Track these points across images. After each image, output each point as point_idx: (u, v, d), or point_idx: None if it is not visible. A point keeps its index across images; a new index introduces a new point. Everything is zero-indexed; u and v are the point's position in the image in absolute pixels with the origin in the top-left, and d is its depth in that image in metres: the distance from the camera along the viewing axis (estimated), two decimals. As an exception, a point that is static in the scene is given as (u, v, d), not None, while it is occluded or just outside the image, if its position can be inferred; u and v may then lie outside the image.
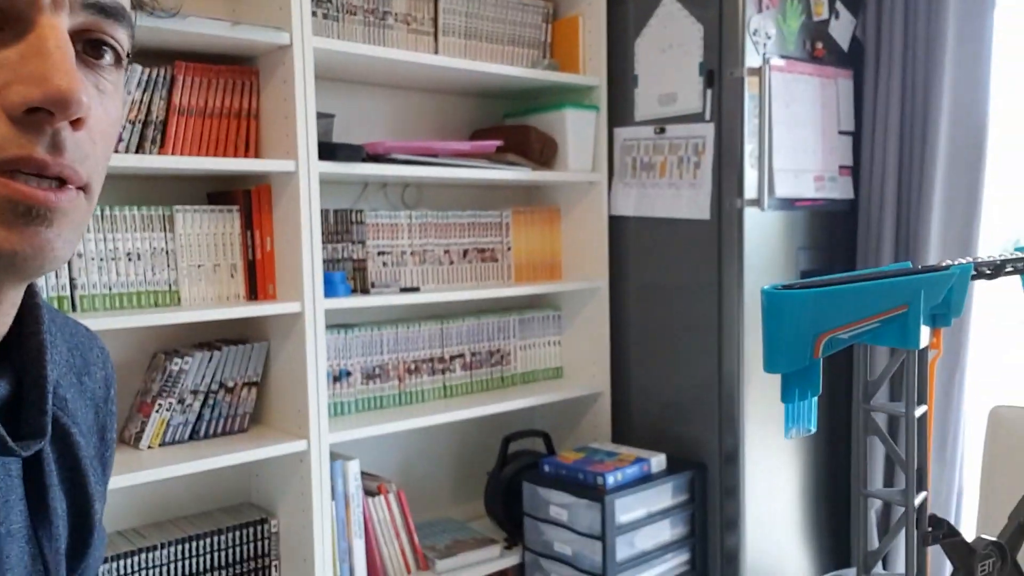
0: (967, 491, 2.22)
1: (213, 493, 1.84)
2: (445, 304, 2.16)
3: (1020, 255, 0.60)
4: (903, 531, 0.48)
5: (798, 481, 2.20)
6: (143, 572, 1.62)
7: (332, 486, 1.77)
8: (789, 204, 2.13)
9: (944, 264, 0.45)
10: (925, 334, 0.48)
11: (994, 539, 0.51)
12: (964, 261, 0.47)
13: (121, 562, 1.59)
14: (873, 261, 2.25)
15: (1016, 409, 1.34)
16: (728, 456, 2.06)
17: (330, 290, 1.78)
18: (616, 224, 2.26)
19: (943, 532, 0.51)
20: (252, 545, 1.75)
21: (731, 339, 2.05)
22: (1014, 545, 0.55)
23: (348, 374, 1.92)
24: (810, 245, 2.22)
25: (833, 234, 2.28)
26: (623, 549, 1.91)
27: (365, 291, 1.91)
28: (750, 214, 2.04)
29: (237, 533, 1.73)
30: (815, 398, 0.47)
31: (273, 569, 1.78)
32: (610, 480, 1.90)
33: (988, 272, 0.50)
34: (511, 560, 2.04)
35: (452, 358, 2.10)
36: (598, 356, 2.26)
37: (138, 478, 1.50)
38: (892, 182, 2.22)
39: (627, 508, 1.91)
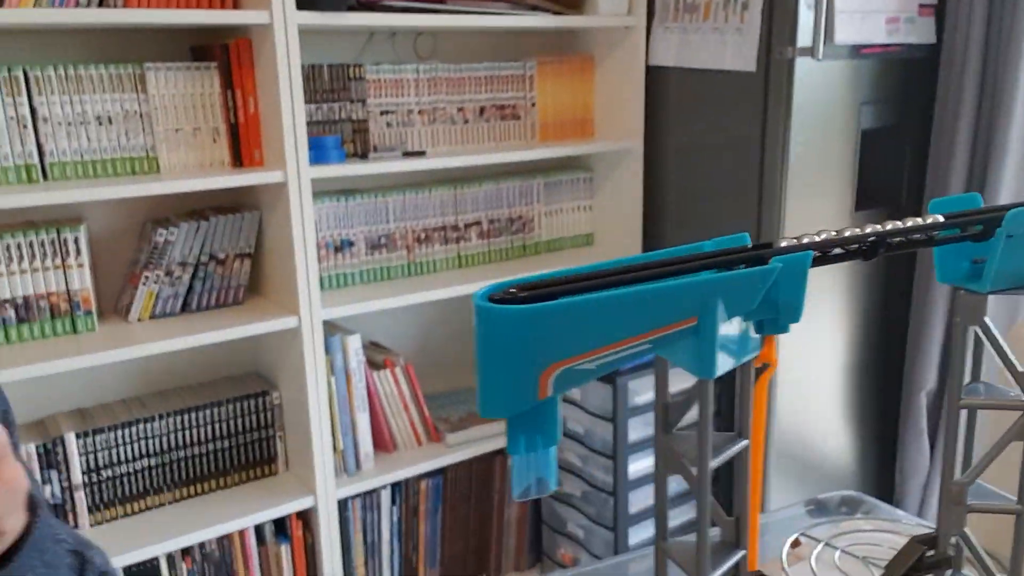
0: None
1: (219, 362, 1.82)
2: (460, 167, 2.00)
3: (912, 224, 0.42)
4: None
5: (838, 358, 2.03)
6: (142, 442, 1.63)
7: (331, 361, 1.72)
8: (853, 52, 1.84)
9: (768, 250, 0.29)
10: (743, 346, 0.33)
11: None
12: (805, 240, 0.31)
13: (120, 432, 1.60)
14: (951, 117, 1.95)
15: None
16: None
17: (320, 156, 1.65)
18: (654, 76, 2.02)
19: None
20: (254, 416, 1.74)
21: (771, 206, 1.84)
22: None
23: (350, 244, 1.82)
24: (877, 99, 1.93)
25: (907, 86, 1.98)
26: (637, 430, 1.81)
27: (365, 156, 1.77)
28: (802, 65, 1.77)
29: (238, 405, 1.72)
30: (553, 448, 0.33)
31: (277, 440, 1.77)
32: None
33: (858, 249, 0.34)
34: (525, 434, 1.99)
35: (467, 226, 1.97)
36: (630, 223, 2.09)
37: (125, 354, 1.47)
38: (980, 24, 1.88)
39: (642, 389, 1.80)
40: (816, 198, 1.88)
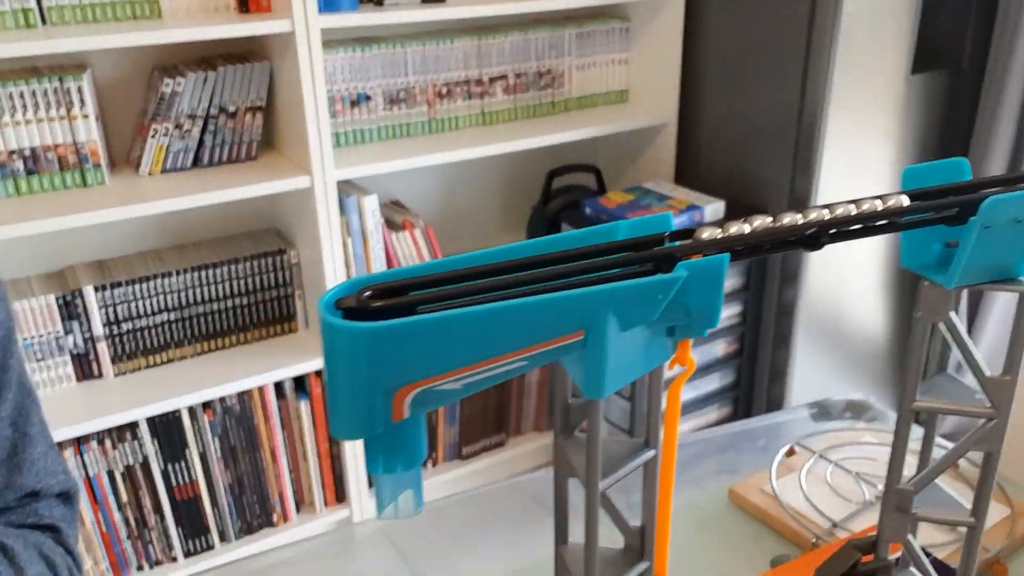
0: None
1: (236, 216, 1.79)
2: (484, 16, 1.86)
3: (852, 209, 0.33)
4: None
5: (879, 241, 1.92)
6: (161, 296, 1.63)
7: (348, 222, 1.68)
8: None
9: (680, 247, 0.22)
10: (649, 355, 0.27)
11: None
12: (732, 231, 0.24)
13: (139, 286, 1.60)
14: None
15: None
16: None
17: (331, 2, 1.54)
18: (703, -86, 1.82)
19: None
20: (272, 275, 1.72)
21: (819, 65, 1.69)
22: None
23: (367, 98, 1.73)
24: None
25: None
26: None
27: (380, 2, 1.64)
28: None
29: (256, 263, 1.70)
30: (417, 467, 0.28)
31: (295, 299, 1.76)
32: (650, 231, 1.71)
33: (795, 241, 0.26)
34: (547, 299, 1.95)
35: (492, 80, 1.86)
36: (667, 80, 1.95)
37: (136, 211, 1.45)
38: None
39: (668, 260, 1.74)
40: (869, 58, 1.72)
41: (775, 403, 1.97)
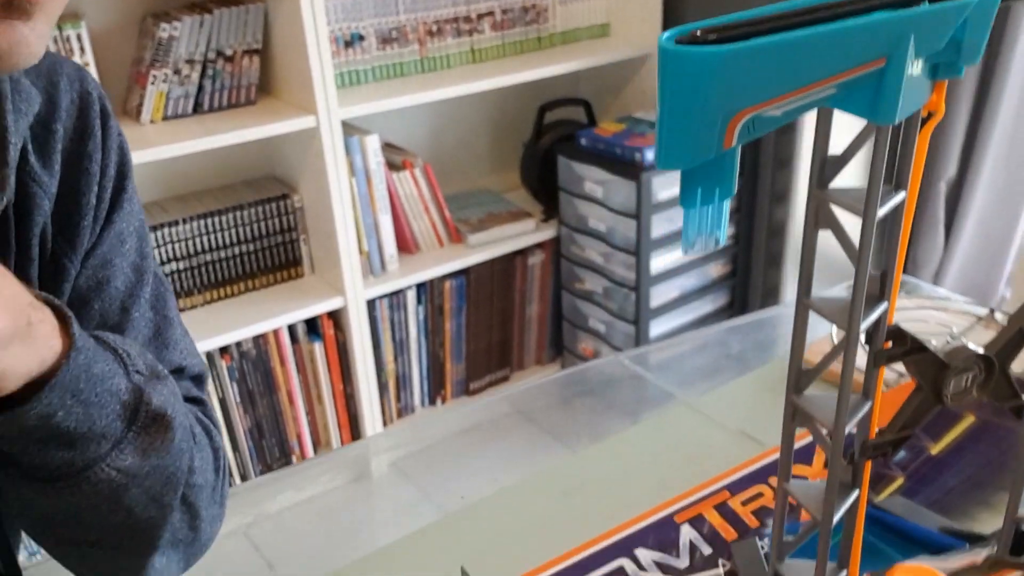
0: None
1: (234, 165, 1.78)
2: (472, -49, 1.87)
3: None
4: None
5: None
6: (168, 246, 1.63)
7: (351, 162, 1.69)
8: None
9: None
10: (919, 92, 0.30)
11: (978, 351, 0.37)
12: None
13: (144, 237, 1.60)
14: None
15: None
16: (784, 124, 1.86)
17: (326, -60, 1.53)
18: None
19: (906, 348, 0.37)
20: (276, 220, 1.73)
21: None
22: (1007, 356, 0.41)
23: (361, 38, 1.73)
24: None
25: None
26: (660, 226, 1.82)
27: (372, -61, 1.64)
28: None
29: (260, 208, 1.70)
30: (727, 200, 0.31)
31: (301, 244, 1.77)
32: (648, 156, 1.75)
33: None
34: (546, 234, 1.99)
35: (479, 16, 1.87)
36: (648, 10, 1.98)
37: (143, 156, 1.44)
38: None
39: (666, 185, 1.79)
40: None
41: (768, 321, 2.04)
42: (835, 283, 1.03)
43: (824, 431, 0.37)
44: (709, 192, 0.30)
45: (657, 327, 1.91)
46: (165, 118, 1.57)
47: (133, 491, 0.48)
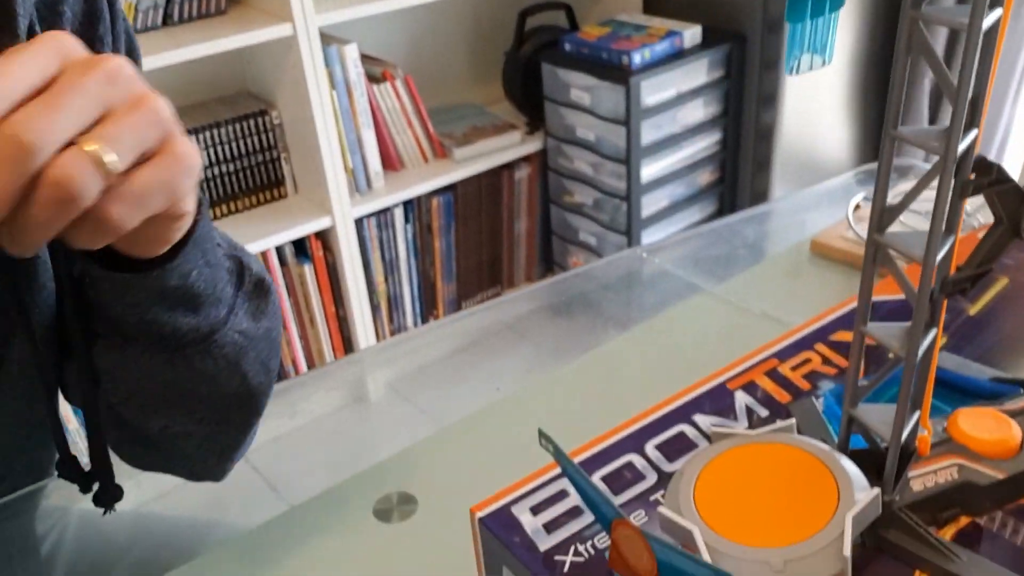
0: (1018, 125, 1.97)
1: (205, 81, 1.71)
2: None
3: None
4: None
5: (848, 57, 1.97)
6: (146, 169, 1.57)
7: (330, 73, 1.63)
8: None
9: None
10: None
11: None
12: None
13: (120, 159, 1.54)
14: None
15: None
16: (771, 25, 1.82)
17: None
18: None
19: (991, 179, 0.35)
20: (255, 138, 1.67)
21: None
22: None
23: (335, -57, 1.65)
24: None
25: None
26: (649, 133, 1.79)
27: None
28: None
29: (237, 126, 1.65)
30: (836, 12, 0.29)
31: (282, 162, 1.72)
32: (636, 59, 1.71)
33: None
34: (533, 146, 1.95)
35: (458, -82, 1.79)
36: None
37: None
38: None
39: (655, 89, 1.75)
40: None
41: (757, 227, 2.04)
42: (815, 183, 1.03)
43: (904, 269, 0.35)
44: (819, 4, 0.28)
45: (648, 238, 1.90)
46: (136, 31, 1.49)
47: (250, 355, 0.50)
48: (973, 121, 0.34)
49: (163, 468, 0.57)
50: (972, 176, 0.36)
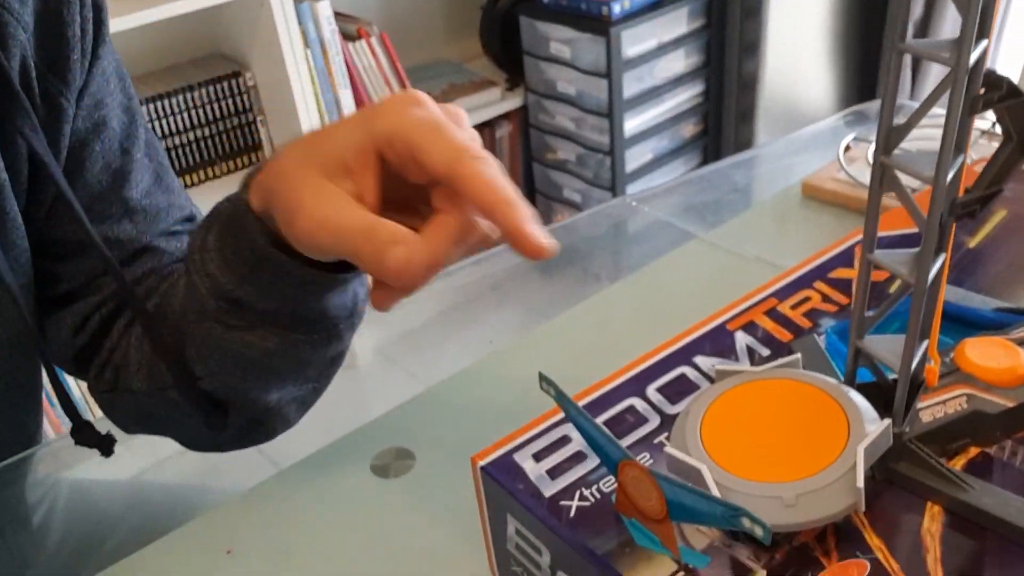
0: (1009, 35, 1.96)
1: (176, 43, 1.67)
2: None
3: None
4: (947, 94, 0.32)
5: (830, 2, 1.95)
6: (119, 136, 1.54)
7: (303, 32, 1.59)
8: None
9: None
10: None
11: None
12: None
13: (92, 127, 1.50)
14: None
15: None
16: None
17: None
18: None
19: (1001, 94, 0.34)
20: (230, 100, 1.64)
21: None
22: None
23: None
24: None
25: None
26: (631, 85, 1.76)
27: None
28: None
29: (210, 88, 1.61)
30: None
31: (259, 125, 1.69)
32: (616, 9, 1.68)
33: None
34: (513, 103, 1.93)
35: None
36: None
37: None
38: None
39: (636, 40, 1.72)
40: None
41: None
42: (795, 130, 1.02)
43: (912, 194, 0.34)
44: None
45: (634, 191, 1.89)
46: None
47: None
48: (983, 31, 0.33)
49: (248, 441, 0.55)
50: (981, 91, 0.34)
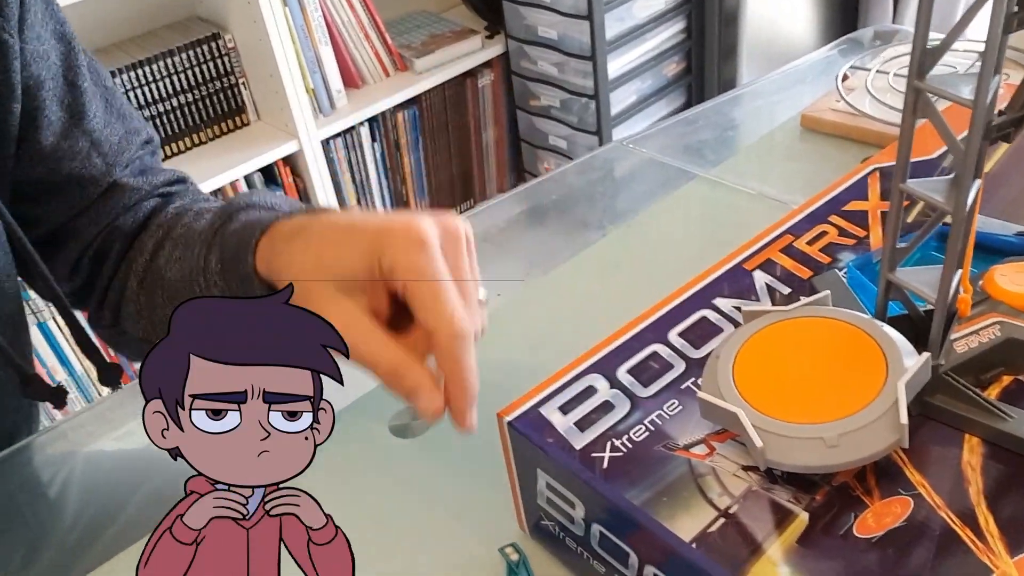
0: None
1: (152, 8, 1.62)
2: None
3: None
4: None
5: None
6: (96, 106, 1.50)
7: (279, -11, 1.55)
8: None
9: None
10: None
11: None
12: None
13: (68, 99, 1.46)
14: None
15: None
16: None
17: None
18: None
19: None
20: (211, 64, 1.60)
21: None
22: None
23: None
24: None
25: None
26: (613, 26, 1.73)
27: None
28: None
29: (191, 53, 1.57)
30: None
31: (241, 88, 1.65)
32: (597, -52, 1.64)
33: None
34: (494, 50, 1.89)
35: None
36: None
37: None
38: None
39: (618, -21, 1.68)
40: None
41: (730, 116, 2.00)
42: (779, 66, 1.00)
43: (943, 118, 0.33)
44: None
45: (619, 135, 1.86)
46: (64, -41, 1.40)
47: None
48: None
49: None
50: (1016, 9, 0.33)
